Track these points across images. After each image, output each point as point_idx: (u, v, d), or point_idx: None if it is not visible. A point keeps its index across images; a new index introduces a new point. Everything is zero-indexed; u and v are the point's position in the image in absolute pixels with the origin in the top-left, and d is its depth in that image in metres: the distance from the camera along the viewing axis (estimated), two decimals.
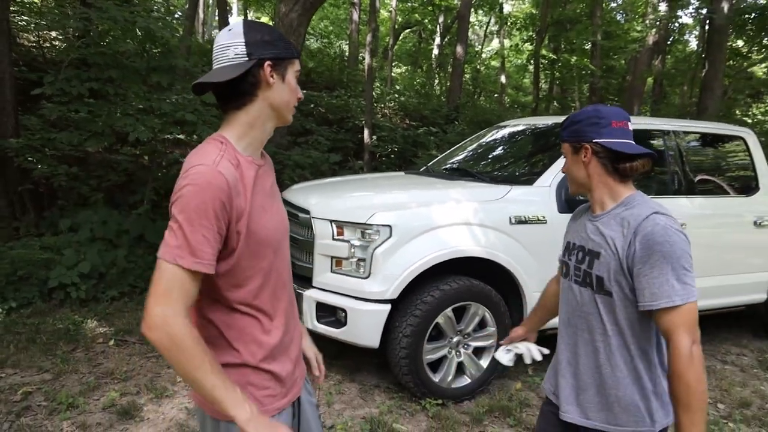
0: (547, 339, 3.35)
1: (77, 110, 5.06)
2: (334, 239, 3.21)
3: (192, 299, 1.15)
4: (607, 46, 14.07)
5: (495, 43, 24.31)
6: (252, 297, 1.27)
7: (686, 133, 4.31)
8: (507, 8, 19.98)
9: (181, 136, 6.32)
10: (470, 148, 4.90)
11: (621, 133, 1.49)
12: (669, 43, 16.19)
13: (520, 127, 4.73)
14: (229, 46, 1.24)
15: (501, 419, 3.19)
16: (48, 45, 7.81)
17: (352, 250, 3.15)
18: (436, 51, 19.20)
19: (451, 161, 4.76)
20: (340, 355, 3.82)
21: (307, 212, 3.38)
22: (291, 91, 1.31)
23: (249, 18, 18.55)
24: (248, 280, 1.26)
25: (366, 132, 8.68)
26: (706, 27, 11.56)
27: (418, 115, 11.65)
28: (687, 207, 4.02)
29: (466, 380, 3.39)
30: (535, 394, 3.50)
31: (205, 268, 1.14)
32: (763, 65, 15.92)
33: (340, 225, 3.20)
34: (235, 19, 20.52)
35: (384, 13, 19.42)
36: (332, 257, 3.22)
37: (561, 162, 3.44)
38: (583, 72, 14.33)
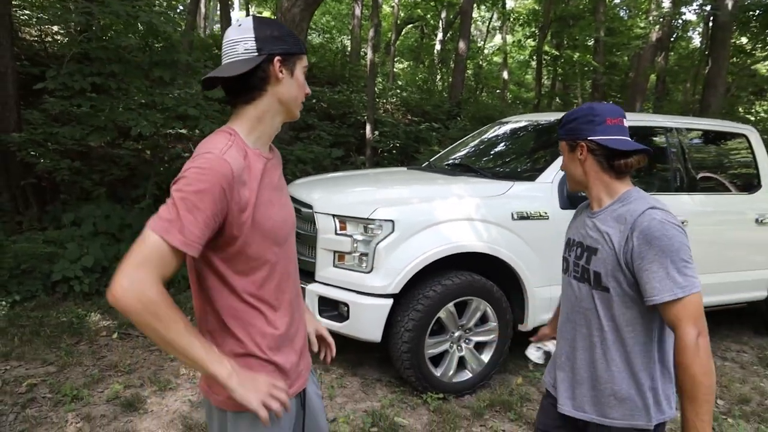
0: None
1: (79, 105, 5.07)
2: (336, 234, 3.22)
3: (167, 276, 1.14)
4: (610, 43, 14.02)
5: (497, 39, 24.25)
6: (257, 288, 1.28)
7: (689, 130, 4.31)
8: (510, 4, 19.92)
9: (183, 131, 6.33)
10: (472, 144, 4.90)
11: (616, 130, 1.51)
12: (672, 39, 16.13)
13: (523, 124, 4.73)
14: (239, 41, 1.25)
15: (502, 413, 3.21)
16: (50, 39, 7.81)
17: (355, 245, 3.16)
18: (438, 46, 19.16)
19: (453, 157, 4.77)
20: (342, 349, 3.82)
21: (309, 207, 3.39)
22: (299, 86, 1.32)
23: (250, 13, 18.54)
24: (253, 270, 1.27)
25: (368, 127, 8.68)
26: (710, 24, 11.52)
27: (420, 110, 11.65)
28: (689, 204, 4.03)
29: (467, 375, 3.40)
30: (535, 389, 3.52)
31: (190, 249, 1.13)
32: (767, 62, 15.87)
33: (343, 220, 3.22)
34: (237, 14, 20.49)
35: (386, 9, 19.38)
36: (335, 252, 3.24)
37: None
38: (586, 68, 14.30)
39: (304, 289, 3.27)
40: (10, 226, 5.26)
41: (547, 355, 1.91)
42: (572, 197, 3.46)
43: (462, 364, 3.41)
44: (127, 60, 5.19)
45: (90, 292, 4.55)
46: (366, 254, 3.14)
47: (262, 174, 1.27)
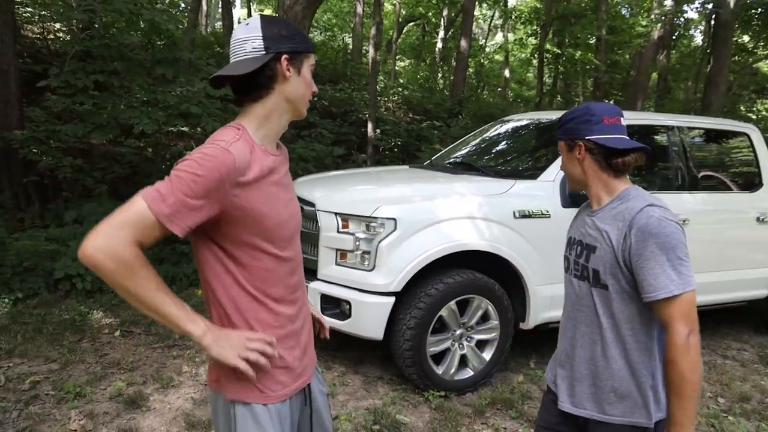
0: (550, 332, 3.38)
1: (82, 102, 5.08)
2: (339, 232, 3.23)
3: (144, 244, 1.15)
4: (612, 41, 14.00)
5: (499, 37, 24.22)
6: (262, 282, 1.30)
7: (690, 128, 4.31)
8: (511, 2, 19.89)
9: (186, 129, 6.34)
10: (474, 143, 4.90)
11: (613, 129, 1.52)
12: (674, 38, 16.12)
13: (524, 122, 4.73)
14: (247, 40, 1.26)
15: (503, 411, 3.22)
16: (52, 37, 7.82)
17: (357, 243, 3.17)
18: (439, 44, 19.14)
19: (454, 155, 4.77)
20: (344, 347, 3.85)
21: (312, 205, 3.40)
22: (306, 84, 1.34)
23: (252, 11, 18.53)
24: (258, 264, 1.29)
25: (369, 125, 8.68)
26: (712, 22, 11.50)
27: (422, 108, 11.65)
28: (690, 202, 4.03)
29: (468, 373, 3.41)
30: (536, 387, 3.53)
31: (173, 226, 1.14)
32: None
33: (345, 218, 3.23)
34: (238, 12, 20.48)
35: (388, 6, 19.36)
36: (337, 250, 3.24)
37: None
38: (588, 67, 14.28)
39: (306, 287, 3.27)
40: (12, 223, 5.27)
41: None
42: (574, 196, 3.46)
43: (463, 362, 3.41)
44: (129, 58, 5.20)
45: (92, 290, 4.56)
46: (368, 252, 3.14)
47: (268, 170, 1.28)
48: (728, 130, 4.54)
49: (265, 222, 1.26)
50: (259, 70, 1.25)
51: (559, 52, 15.07)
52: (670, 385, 1.42)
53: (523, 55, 20.41)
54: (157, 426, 2.83)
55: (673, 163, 4.10)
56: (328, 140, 8.37)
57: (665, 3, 12.85)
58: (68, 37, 7.11)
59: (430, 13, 19.66)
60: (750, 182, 4.43)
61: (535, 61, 18.05)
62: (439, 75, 17.61)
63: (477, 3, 15.01)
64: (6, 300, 4.25)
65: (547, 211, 3.44)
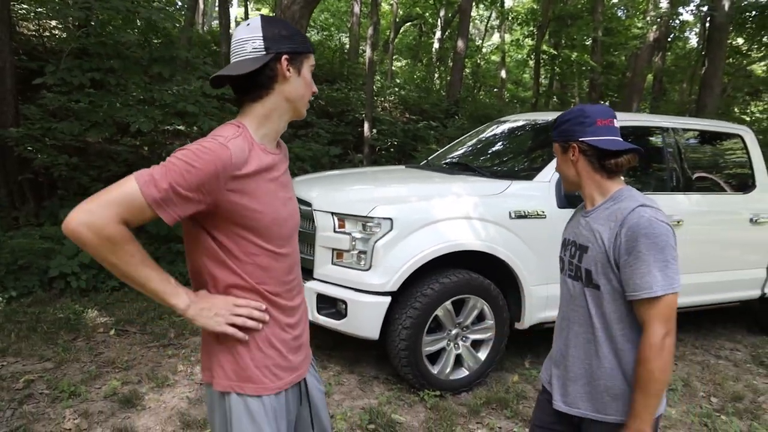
0: (545, 332, 3.40)
1: (78, 100, 5.06)
2: (335, 231, 3.23)
3: (131, 222, 1.16)
4: (608, 43, 14.06)
5: (496, 38, 24.25)
6: (257, 277, 1.31)
7: (685, 130, 4.33)
8: (508, 3, 19.94)
9: (182, 128, 6.33)
10: (470, 143, 4.92)
11: (606, 131, 1.53)
12: (669, 40, 16.19)
13: (520, 123, 4.75)
14: (248, 40, 1.27)
15: (498, 411, 3.23)
16: (48, 34, 7.79)
17: (353, 243, 3.17)
18: (436, 45, 19.17)
19: (451, 156, 4.78)
20: (340, 347, 3.85)
21: (308, 204, 3.40)
22: (306, 84, 1.35)
23: (249, 10, 18.49)
24: (252, 258, 1.30)
25: (366, 125, 8.69)
26: (707, 24, 11.56)
27: (418, 109, 11.66)
28: (684, 204, 4.05)
29: (464, 372, 3.43)
30: (531, 387, 3.55)
31: (160, 211, 1.15)
32: (763, 63, 15.94)
33: (342, 217, 3.23)
34: (235, 11, 20.43)
35: (385, 6, 19.37)
36: (333, 249, 3.25)
37: None
38: (584, 68, 14.33)
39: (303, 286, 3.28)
40: (7, 221, 5.26)
41: None
42: (569, 197, 3.48)
43: (459, 361, 3.42)
44: (126, 56, 5.19)
45: (87, 289, 4.55)
46: (364, 252, 3.15)
47: (267, 168, 1.29)
48: (722, 131, 4.56)
49: (261, 219, 1.27)
50: (260, 70, 1.26)
51: (556, 53, 15.12)
52: (638, 381, 1.45)
53: (520, 56, 20.48)
54: (152, 425, 2.83)
55: (667, 165, 4.12)
56: (325, 140, 8.37)
57: (661, 5, 12.91)
58: (64, 35, 7.09)
59: (427, 14, 19.68)
60: (743, 184, 4.46)
61: (531, 62, 18.10)
62: (436, 75, 17.63)
63: (474, 4, 15.04)
64: (0, 298, 4.24)
65: (543, 212, 3.45)
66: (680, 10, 13.92)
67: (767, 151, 4.93)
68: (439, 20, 18.73)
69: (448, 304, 3.27)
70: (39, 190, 5.68)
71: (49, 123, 5.19)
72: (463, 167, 4.29)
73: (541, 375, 1.80)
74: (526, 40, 17.49)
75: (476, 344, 3.47)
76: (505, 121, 4.92)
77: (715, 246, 4.22)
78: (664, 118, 4.45)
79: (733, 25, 10.93)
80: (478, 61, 21.26)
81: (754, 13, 10.77)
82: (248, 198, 1.24)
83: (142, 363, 3.49)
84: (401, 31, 21.21)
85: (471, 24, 15.76)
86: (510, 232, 3.36)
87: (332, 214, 3.26)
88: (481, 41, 22.85)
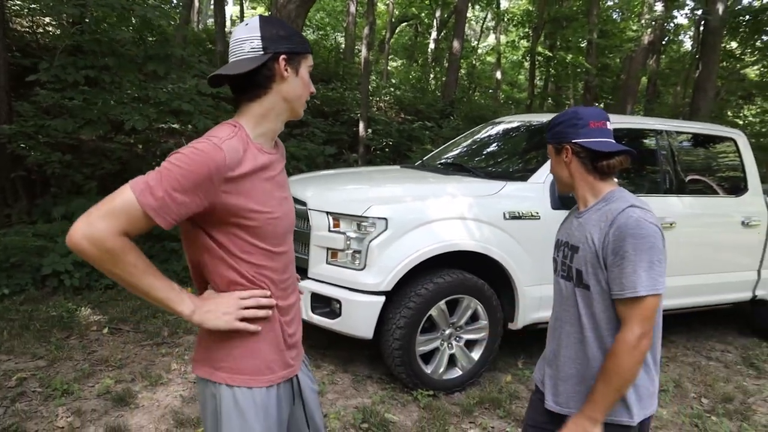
0: (538, 332, 3.41)
1: (72, 97, 5.04)
2: (330, 231, 3.24)
3: (131, 233, 1.17)
4: (603, 45, 14.12)
5: (491, 39, 24.31)
6: (252, 274, 1.32)
7: (678, 133, 4.36)
8: (504, 4, 19.99)
9: (176, 126, 6.32)
10: (465, 144, 4.93)
11: (599, 133, 1.55)
12: (664, 43, 16.28)
13: (515, 124, 4.77)
14: (246, 40, 1.28)
15: (491, 411, 3.24)
16: (42, 31, 7.74)
17: (348, 242, 3.18)
18: (432, 45, 19.19)
19: (446, 156, 4.80)
20: (334, 346, 3.86)
21: (303, 204, 3.40)
22: (304, 85, 1.35)
23: (244, 8, 18.44)
24: (247, 256, 1.31)
25: (361, 125, 8.69)
26: (701, 28, 11.63)
27: (414, 109, 11.67)
28: (677, 206, 4.08)
29: (457, 372, 3.44)
30: (524, 387, 3.56)
31: (158, 218, 1.16)
32: (756, 67, 16.05)
33: (337, 217, 3.23)
34: (231, 9, 20.38)
35: (381, 6, 19.37)
36: (328, 249, 3.25)
37: None
38: (579, 70, 14.37)
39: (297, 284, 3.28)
40: None
41: None
42: (563, 198, 3.49)
43: (452, 361, 3.44)
44: (120, 53, 5.17)
45: (80, 287, 4.53)
46: (359, 252, 3.16)
47: (262, 168, 1.30)
48: (715, 135, 4.60)
49: (257, 218, 1.28)
50: (257, 70, 1.27)
51: (551, 54, 15.17)
52: (603, 371, 1.47)
53: (515, 58, 20.52)
54: (146, 423, 2.82)
55: (661, 167, 4.15)
56: (320, 139, 8.37)
57: (655, 8, 12.97)
58: (58, 32, 7.05)
59: (423, 14, 19.69)
60: (736, 187, 4.49)
61: (526, 64, 18.16)
62: (431, 76, 17.65)
63: (470, 4, 15.06)
64: None
65: (537, 213, 3.47)
66: (675, 13, 14.00)
67: (760, 155, 4.97)
68: (434, 21, 18.76)
69: (442, 304, 3.28)
70: (32, 187, 5.65)
71: (42, 120, 5.16)
72: (458, 168, 4.31)
73: (534, 375, 1.81)
74: (522, 41, 17.53)
75: (470, 344, 3.48)
76: (500, 122, 4.94)
77: (708, 248, 4.25)
78: (658, 120, 4.48)
79: (727, 29, 11.00)
80: (474, 62, 21.31)
81: (747, 17, 10.85)
82: (243, 198, 1.25)
83: (135, 361, 3.48)
84: (397, 31, 21.23)
85: (467, 25, 15.78)
86: (504, 232, 3.38)
87: (327, 213, 3.26)
88: (476, 42, 22.91)
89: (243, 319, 1.31)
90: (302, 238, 3.36)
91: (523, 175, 3.73)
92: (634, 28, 13.58)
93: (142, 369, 3.37)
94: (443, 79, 14.13)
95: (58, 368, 3.32)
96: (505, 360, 3.88)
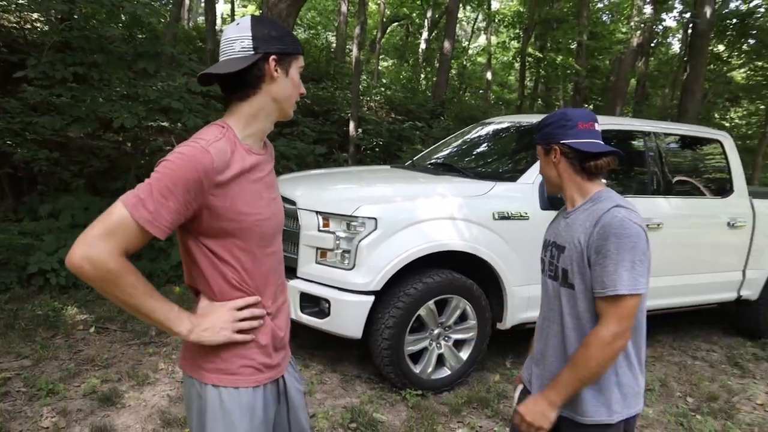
0: (526, 332, 3.43)
1: (60, 94, 4.99)
2: (319, 230, 3.23)
3: (129, 250, 1.18)
4: (593, 47, 14.21)
5: (482, 40, 24.38)
6: (241, 276, 1.32)
7: (666, 134, 4.40)
8: (495, 5, 20.05)
9: (166, 124, 6.27)
10: (455, 144, 4.94)
11: (587, 134, 1.57)
12: (653, 45, 16.42)
13: (505, 125, 4.79)
14: (236, 39, 1.28)
15: (479, 410, 3.25)
16: (30, 27, 7.65)
17: (337, 242, 3.18)
18: (423, 45, 19.21)
19: (436, 156, 4.81)
20: (322, 346, 3.85)
21: (293, 203, 3.40)
22: (294, 86, 1.35)
23: (235, 6, 18.35)
24: (236, 259, 1.31)
25: (352, 125, 8.68)
26: (689, 31, 11.74)
27: (404, 109, 11.67)
28: (664, 207, 4.12)
29: (445, 372, 3.45)
30: (512, 386, 3.57)
31: (154, 230, 1.17)
32: (742, 70, 16.24)
33: (326, 216, 3.23)
34: (221, 7, 20.27)
35: (372, 6, 19.36)
36: (317, 248, 3.25)
37: None
38: (568, 71, 14.45)
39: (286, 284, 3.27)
40: None
41: None
42: (552, 198, 3.52)
43: (441, 361, 3.45)
44: (109, 50, 5.12)
45: (67, 285, 4.49)
46: (348, 251, 3.16)
47: (249, 169, 1.30)
48: (702, 137, 4.65)
49: (245, 220, 1.28)
50: (247, 70, 1.26)
51: (541, 56, 15.24)
52: (572, 360, 1.50)
53: (506, 58, 20.58)
54: (132, 423, 2.80)
55: (648, 168, 4.18)
56: (310, 138, 8.35)
57: (644, 11, 13.08)
58: (46, 28, 6.96)
59: (414, 14, 19.70)
60: (722, 188, 4.54)
61: (517, 65, 18.22)
62: (422, 76, 17.66)
63: (461, 5, 15.10)
64: None
65: (526, 213, 3.49)
66: (663, 16, 14.14)
67: (745, 157, 5.03)
68: (426, 21, 18.78)
69: (431, 303, 3.28)
70: (18, 185, 5.58)
71: (29, 117, 5.10)
72: (447, 168, 4.32)
73: (522, 374, 1.82)
74: (512, 42, 17.59)
75: (458, 344, 3.49)
76: (490, 123, 4.96)
77: (694, 249, 4.29)
78: (646, 122, 4.52)
79: (714, 32, 11.12)
80: (465, 63, 21.35)
81: (734, 20, 10.97)
82: (231, 200, 1.25)
83: (122, 361, 3.46)
84: (388, 31, 21.23)
85: (458, 25, 15.83)
86: (493, 232, 3.39)
87: (317, 213, 3.26)
88: (467, 43, 22.97)
89: (239, 330, 1.31)
90: (292, 237, 3.36)
91: (513, 175, 3.75)
92: (624, 30, 13.68)
93: (128, 368, 3.34)
94: (434, 79, 14.15)
95: (43, 368, 3.29)
96: (494, 360, 3.90)
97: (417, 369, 3.33)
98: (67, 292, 4.46)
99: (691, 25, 10.92)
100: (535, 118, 4.50)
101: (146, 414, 2.89)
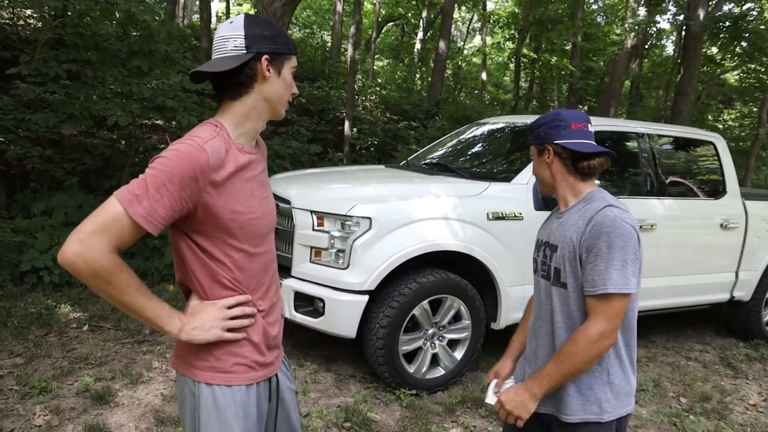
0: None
1: (53, 92, 4.96)
2: (314, 230, 3.23)
3: (122, 247, 1.17)
4: (587, 48, 14.25)
5: (477, 40, 24.43)
6: (234, 275, 1.32)
7: (660, 136, 4.43)
8: (490, 6, 20.09)
9: (160, 122, 6.25)
10: (450, 144, 4.95)
11: (580, 134, 1.58)
12: (647, 47, 16.49)
13: (500, 125, 4.80)
14: (229, 38, 1.28)
15: (473, 410, 3.26)
16: (23, 23, 7.60)
17: (332, 241, 3.18)
18: (418, 45, 19.22)
19: (430, 156, 4.81)
20: (317, 345, 3.85)
21: (287, 202, 3.39)
22: (286, 85, 1.35)
23: (231, 4, 18.29)
24: (228, 258, 1.31)
25: (347, 124, 8.68)
26: (683, 33, 11.81)
27: (399, 109, 11.68)
28: (658, 208, 4.14)
29: (440, 371, 3.45)
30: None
31: (149, 226, 1.16)
32: (735, 72, 16.34)
33: (321, 216, 3.23)
34: (216, 5, 20.20)
35: (368, 6, 19.35)
36: (312, 247, 3.25)
37: None
38: (563, 72, 14.51)
39: (279, 284, 3.27)
40: None
41: None
42: (546, 199, 3.53)
43: (435, 361, 3.45)
44: (103, 48, 5.09)
45: (60, 283, 4.47)
46: (343, 251, 3.16)
47: (243, 167, 1.30)
48: (695, 138, 4.67)
49: (237, 218, 1.28)
50: (239, 69, 1.26)
51: (536, 57, 15.29)
52: (558, 353, 1.51)
53: (501, 59, 20.61)
54: (125, 422, 2.79)
55: (642, 169, 4.20)
56: (305, 138, 8.34)
57: (639, 13, 13.14)
58: (40, 24, 6.92)
59: (410, 14, 19.72)
60: (715, 189, 4.57)
61: (512, 65, 18.26)
62: (417, 76, 17.67)
63: (456, 5, 15.12)
64: None
65: (520, 214, 3.50)
66: (657, 18, 14.19)
67: (738, 159, 5.06)
68: (421, 21, 18.78)
69: (425, 303, 3.29)
70: (11, 182, 5.55)
71: (22, 114, 5.07)
72: (442, 168, 4.33)
73: (515, 373, 1.83)
74: (507, 43, 17.64)
75: (452, 344, 3.50)
76: (484, 123, 4.97)
77: (687, 250, 4.32)
78: (640, 123, 4.54)
79: (708, 35, 11.17)
80: (460, 63, 21.39)
81: (727, 23, 11.02)
82: (224, 199, 1.25)
83: (115, 359, 3.44)
84: (383, 30, 21.23)
85: (453, 26, 15.85)
86: (487, 233, 3.40)
87: (311, 212, 3.26)
88: (462, 43, 22.99)
89: (230, 328, 1.31)
90: (286, 236, 3.35)
91: (507, 176, 3.76)
92: (618, 32, 13.73)
93: (122, 367, 3.33)
94: (429, 79, 14.16)
95: (36, 366, 3.27)
96: (488, 360, 3.90)
97: (411, 368, 3.34)
98: (61, 289, 4.44)
99: (684, 28, 10.97)
100: (529, 119, 4.51)
101: (140, 412, 2.88)
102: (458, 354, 3.49)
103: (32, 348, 3.44)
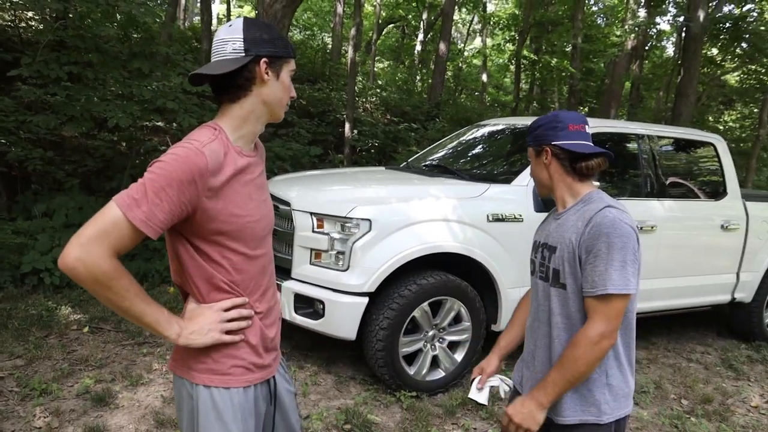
0: None
1: (54, 93, 4.97)
2: (313, 231, 3.23)
3: (122, 251, 1.18)
4: (587, 49, 14.26)
5: (477, 42, 24.45)
6: (232, 278, 1.32)
7: (660, 137, 4.43)
8: (490, 7, 20.11)
9: (161, 124, 6.25)
10: (450, 146, 4.95)
11: (577, 135, 1.58)
12: (647, 48, 16.50)
13: (500, 127, 4.80)
14: (228, 41, 1.28)
15: (473, 412, 3.26)
16: (24, 25, 7.62)
17: (332, 243, 3.18)
18: (418, 47, 19.24)
19: (431, 158, 4.81)
20: (317, 347, 3.85)
21: (287, 204, 3.39)
22: (284, 89, 1.35)
23: (231, 6, 18.33)
24: (226, 260, 1.31)
25: (347, 126, 8.68)
26: (683, 35, 11.81)
27: (399, 110, 11.69)
28: (658, 209, 4.14)
29: (440, 373, 3.45)
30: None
31: (148, 230, 1.17)
32: (736, 74, 16.34)
33: (321, 218, 3.23)
34: (217, 8, 20.24)
35: (368, 8, 19.37)
36: (311, 249, 3.25)
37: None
38: (563, 74, 14.53)
39: (279, 286, 3.27)
40: None
41: (494, 390, 1.84)
42: (546, 201, 3.53)
43: (435, 363, 3.45)
44: (104, 50, 5.10)
45: (61, 285, 4.47)
46: (342, 252, 3.16)
47: (241, 170, 1.30)
48: (696, 140, 4.67)
49: (235, 221, 1.29)
50: (238, 72, 1.27)
51: (536, 58, 15.30)
52: (560, 360, 1.50)
53: (501, 61, 20.63)
54: (125, 424, 2.79)
55: (642, 171, 4.20)
56: (305, 139, 8.34)
57: (639, 14, 13.15)
58: (41, 26, 6.93)
59: (410, 16, 19.74)
60: (715, 191, 4.57)
61: (512, 67, 18.27)
62: (418, 78, 17.69)
63: (456, 7, 15.13)
64: None
65: (520, 215, 3.50)
66: (657, 19, 14.19)
67: (739, 160, 5.06)
68: (421, 23, 18.80)
69: (425, 305, 3.29)
70: (12, 184, 5.56)
71: (24, 116, 5.08)
72: (442, 170, 4.33)
73: (513, 376, 1.83)
74: (507, 45, 17.65)
75: (453, 346, 3.50)
76: (485, 125, 4.97)
77: (688, 251, 4.31)
78: (640, 125, 4.54)
79: (708, 36, 11.17)
80: (460, 65, 21.40)
81: (728, 24, 11.03)
82: (223, 202, 1.26)
83: (116, 361, 3.44)
84: (384, 32, 21.26)
85: (453, 27, 15.86)
86: (487, 234, 3.40)
87: (311, 214, 3.26)
88: (463, 45, 23.01)
89: (227, 331, 1.32)
90: (286, 238, 3.35)
91: (507, 177, 3.76)
92: (618, 33, 13.74)
93: (122, 369, 3.33)
94: (429, 81, 14.17)
95: (36, 367, 3.27)
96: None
97: (411, 370, 3.33)
98: (61, 291, 4.44)
99: (684, 29, 10.98)
100: (529, 121, 4.49)
101: (140, 414, 2.88)
102: (458, 356, 3.49)
103: (33, 350, 3.44)
